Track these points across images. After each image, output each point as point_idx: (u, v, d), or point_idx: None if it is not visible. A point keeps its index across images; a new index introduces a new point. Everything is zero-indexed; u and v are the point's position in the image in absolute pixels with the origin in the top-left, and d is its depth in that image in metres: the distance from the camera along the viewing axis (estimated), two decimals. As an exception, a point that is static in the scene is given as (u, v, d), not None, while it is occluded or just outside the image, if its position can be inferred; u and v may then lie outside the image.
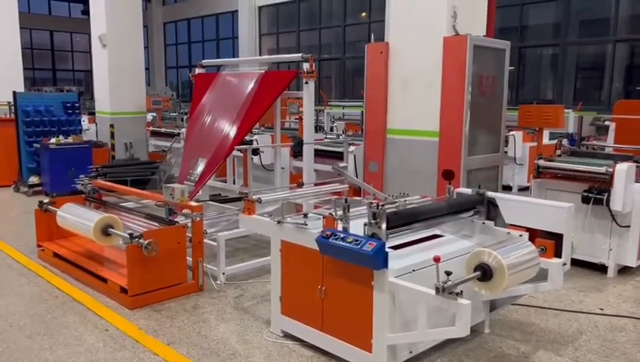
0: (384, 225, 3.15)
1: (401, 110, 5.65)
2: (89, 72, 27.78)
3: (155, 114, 12.81)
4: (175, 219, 4.98)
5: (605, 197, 5.01)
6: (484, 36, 5.46)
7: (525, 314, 4.30)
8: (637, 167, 5.17)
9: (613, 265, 5.23)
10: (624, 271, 5.33)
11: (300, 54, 5.48)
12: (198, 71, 6.79)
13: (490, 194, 3.92)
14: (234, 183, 7.70)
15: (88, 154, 8.98)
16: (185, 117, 14.41)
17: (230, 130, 5.71)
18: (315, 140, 6.41)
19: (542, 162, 5.49)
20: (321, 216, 3.53)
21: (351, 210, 3.40)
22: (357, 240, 3.15)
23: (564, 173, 5.40)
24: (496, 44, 5.38)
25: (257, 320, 4.19)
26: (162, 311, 4.34)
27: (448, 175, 5.16)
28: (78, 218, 5.04)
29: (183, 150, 6.22)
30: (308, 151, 5.62)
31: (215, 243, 5.07)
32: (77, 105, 10.07)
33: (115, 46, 10.65)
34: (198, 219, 4.70)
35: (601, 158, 5.55)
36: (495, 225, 3.84)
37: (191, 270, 4.79)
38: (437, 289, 2.82)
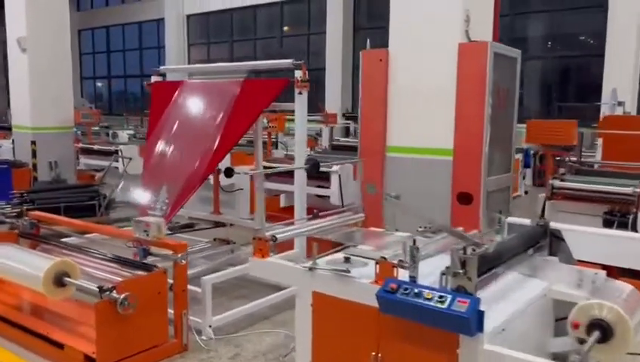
0: (474, 276, 2.44)
1: (404, 125, 4.99)
2: (-2, 84, 25.07)
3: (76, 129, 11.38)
4: (144, 261, 4.00)
5: (631, 220, 4.62)
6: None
7: None
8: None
9: (636, 292, 4.85)
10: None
11: (291, 60, 4.68)
12: (154, 79, 5.79)
13: (553, 225, 3.33)
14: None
15: (7, 176, 7.66)
16: (110, 131, 13.11)
17: (205, 150, 4.77)
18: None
19: (557, 182, 5.05)
20: (373, 260, 2.77)
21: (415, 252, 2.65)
22: (441, 297, 2.41)
23: (579, 195, 4.98)
24: (510, 51, 4.87)
25: (271, 390, 3.32)
26: (144, 386, 3.36)
27: (465, 198, 4.54)
28: (17, 264, 3.90)
29: (142, 175, 5.18)
30: (299, 173, 4.81)
31: (197, 289, 4.14)
32: (-12, 120, 8.63)
33: (38, 50, 9.19)
34: (183, 262, 3.74)
35: (612, 177, 5.19)
36: (559, 262, 3.27)
37: (172, 325, 3.82)
38: (569, 364, 2.14)
